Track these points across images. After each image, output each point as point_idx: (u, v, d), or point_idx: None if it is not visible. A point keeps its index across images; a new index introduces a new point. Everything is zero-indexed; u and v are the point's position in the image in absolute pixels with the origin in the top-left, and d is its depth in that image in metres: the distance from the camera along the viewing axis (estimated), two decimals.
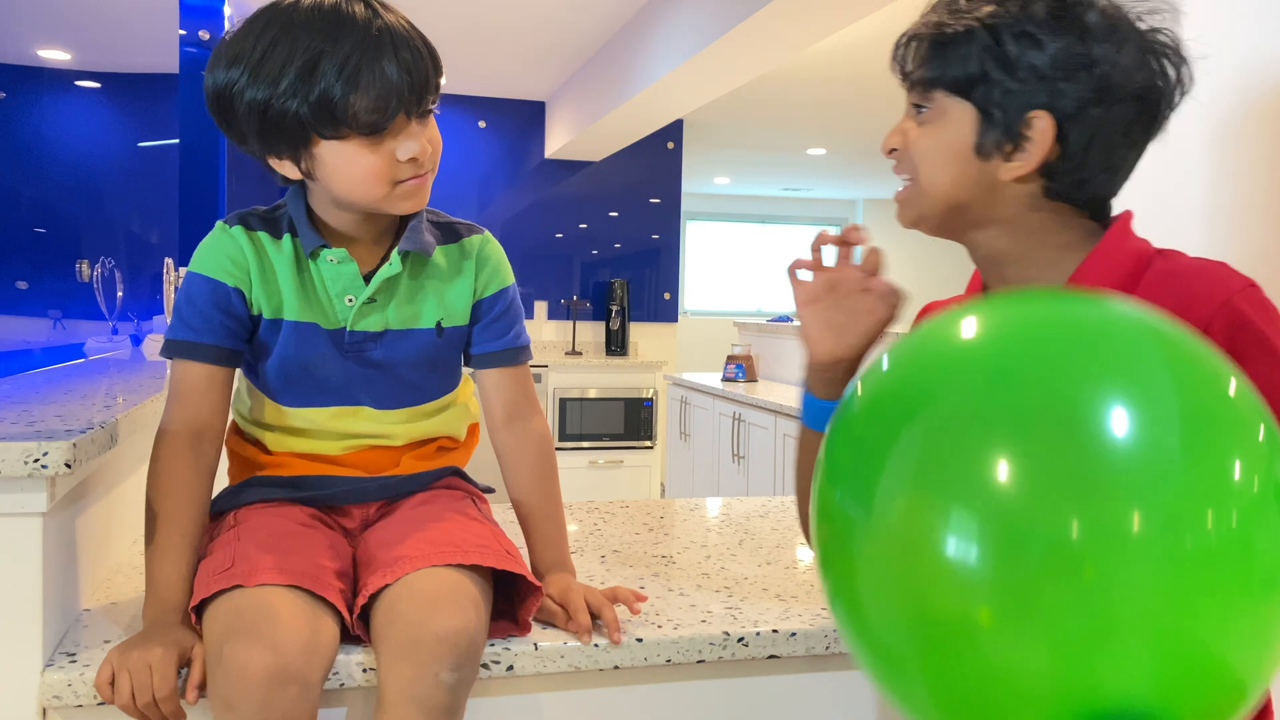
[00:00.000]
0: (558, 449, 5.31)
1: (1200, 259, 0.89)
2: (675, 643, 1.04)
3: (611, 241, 6.14)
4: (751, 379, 4.60)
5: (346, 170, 0.99)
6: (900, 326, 1.02)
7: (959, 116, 0.89)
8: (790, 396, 3.89)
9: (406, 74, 0.96)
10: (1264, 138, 1.34)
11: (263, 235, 1.07)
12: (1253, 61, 1.36)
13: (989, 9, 0.87)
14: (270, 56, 0.95)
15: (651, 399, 5.54)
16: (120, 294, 2.73)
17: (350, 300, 1.07)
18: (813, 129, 6.37)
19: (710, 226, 9.57)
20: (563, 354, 5.80)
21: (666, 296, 6.28)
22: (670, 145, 6.14)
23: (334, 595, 0.96)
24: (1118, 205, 0.95)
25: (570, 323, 6.02)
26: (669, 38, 3.78)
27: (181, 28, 3.90)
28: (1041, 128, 0.86)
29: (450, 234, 1.13)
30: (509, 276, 1.15)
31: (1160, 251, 0.91)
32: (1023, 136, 0.87)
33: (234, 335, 1.06)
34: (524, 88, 5.60)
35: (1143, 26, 0.87)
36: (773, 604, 1.15)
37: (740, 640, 1.06)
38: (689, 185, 6.40)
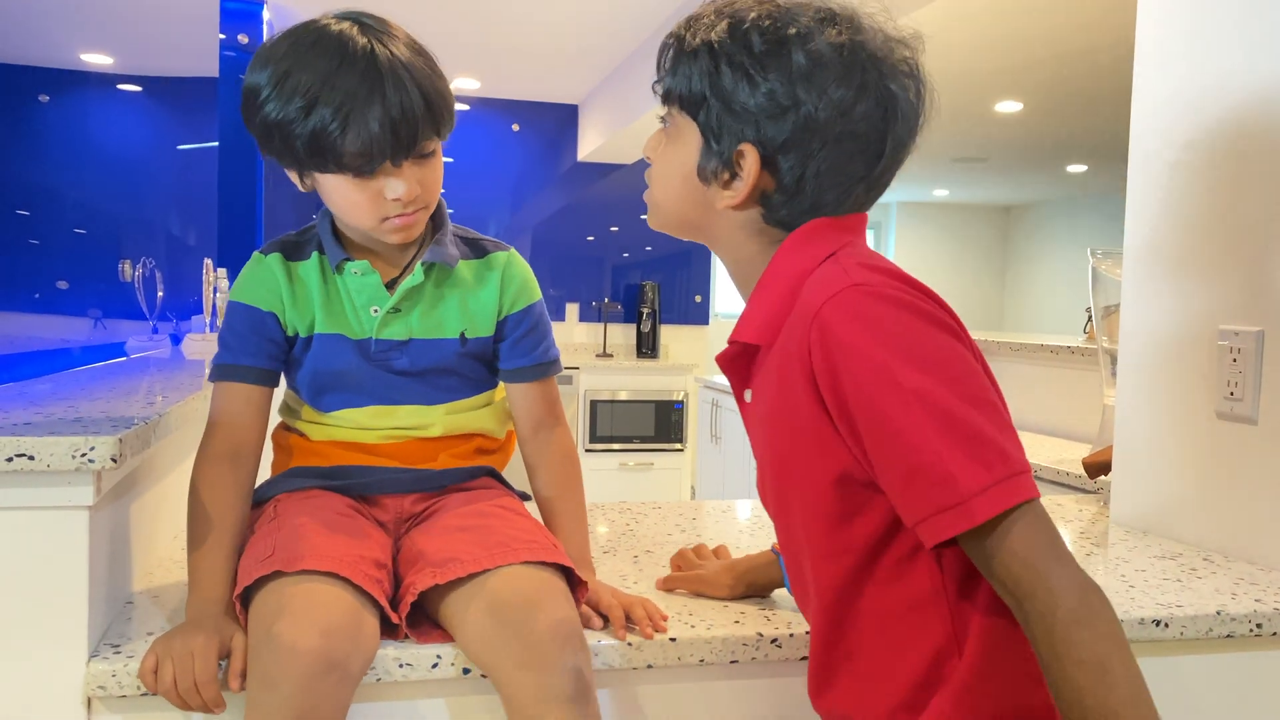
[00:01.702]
0: (588, 451, 5.39)
1: (833, 266, 0.82)
2: (709, 643, 1.04)
3: (643, 244, 6.15)
4: None
5: (338, 200, 1.06)
6: None
7: (689, 136, 0.89)
8: None
9: (392, 128, 0.99)
10: (1227, 173, 1.32)
11: (292, 260, 1.12)
12: (1215, 94, 1.33)
13: (720, 29, 0.86)
14: (287, 79, 1.00)
15: (682, 401, 5.54)
16: (161, 294, 2.77)
17: (375, 311, 1.11)
18: None
19: None
20: (594, 356, 5.81)
21: (697, 299, 6.28)
22: None
23: (372, 586, 0.98)
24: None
25: (601, 325, 6.03)
26: None
27: (221, 31, 3.96)
28: (750, 161, 0.84)
29: (476, 249, 1.18)
30: (536, 292, 1.19)
31: (828, 259, 0.84)
32: (736, 166, 0.86)
33: (271, 357, 1.12)
34: (557, 91, 5.62)
35: (879, 55, 0.84)
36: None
37: (774, 641, 1.06)
38: None
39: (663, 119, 0.92)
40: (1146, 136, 1.59)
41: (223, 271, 3.23)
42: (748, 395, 0.93)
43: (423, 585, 0.99)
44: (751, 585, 1.17)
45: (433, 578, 0.99)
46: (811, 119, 0.82)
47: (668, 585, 1.18)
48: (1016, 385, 3.14)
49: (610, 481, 5.43)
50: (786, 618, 1.10)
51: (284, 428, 1.20)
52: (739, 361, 0.92)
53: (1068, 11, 3.74)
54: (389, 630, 1.01)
